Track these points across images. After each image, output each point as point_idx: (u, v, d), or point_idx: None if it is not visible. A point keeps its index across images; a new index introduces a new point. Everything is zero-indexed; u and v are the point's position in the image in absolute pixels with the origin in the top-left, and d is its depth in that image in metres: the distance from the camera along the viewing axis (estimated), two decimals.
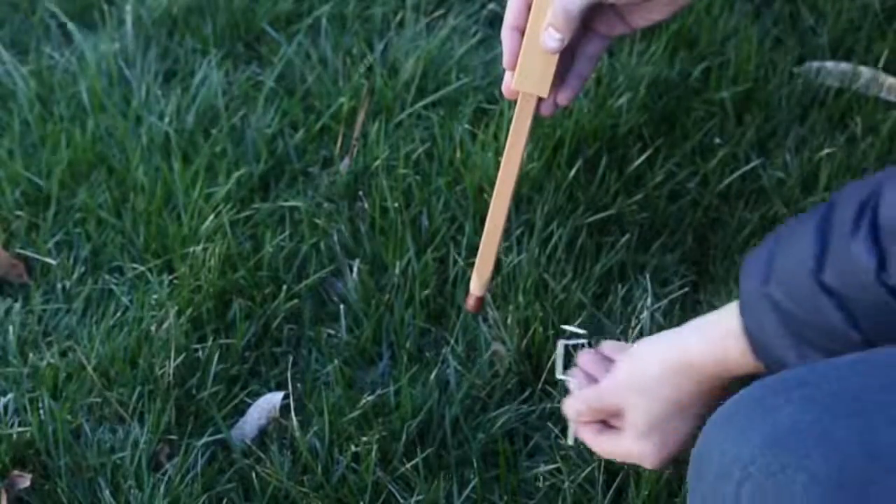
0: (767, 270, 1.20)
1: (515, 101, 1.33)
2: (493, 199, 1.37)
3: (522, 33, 1.30)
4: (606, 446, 1.34)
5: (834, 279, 1.15)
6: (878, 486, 0.93)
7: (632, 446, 1.31)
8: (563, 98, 1.33)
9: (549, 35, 1.28)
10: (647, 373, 1.29)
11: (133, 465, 1.49)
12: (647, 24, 1.32)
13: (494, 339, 1.59)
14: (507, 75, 1.32)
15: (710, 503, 0.99)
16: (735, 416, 0.99)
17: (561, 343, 1.42)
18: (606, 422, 1.35)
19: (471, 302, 1.42)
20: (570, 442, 1.41)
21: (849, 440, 0.95)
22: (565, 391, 1.37)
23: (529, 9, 1.29)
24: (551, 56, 1.29)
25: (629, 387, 1.30)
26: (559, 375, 1.40)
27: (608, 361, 1.36)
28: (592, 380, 1.35)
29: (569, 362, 1.41)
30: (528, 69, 1.30)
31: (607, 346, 1.38)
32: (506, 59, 1.31)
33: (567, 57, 1.32)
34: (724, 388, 1.30)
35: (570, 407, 1.34)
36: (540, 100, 1.32)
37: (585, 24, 1.31)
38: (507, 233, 1.66)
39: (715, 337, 1.25)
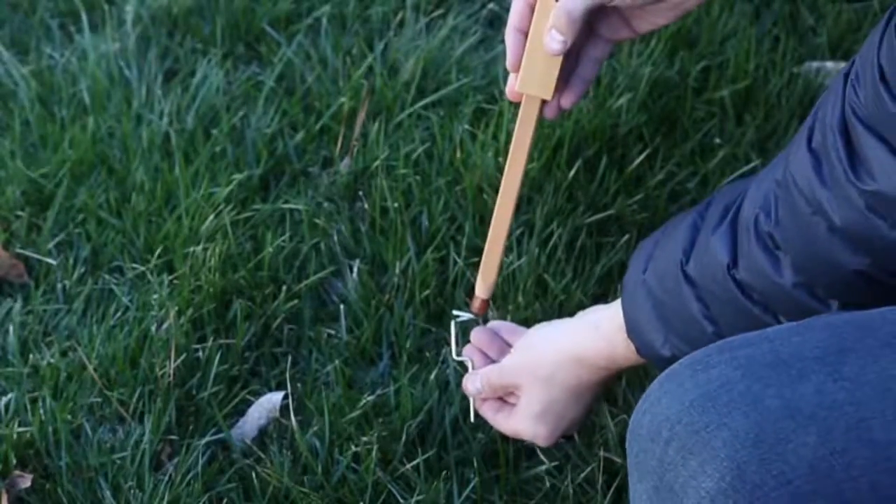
0: (647, 260, 1.29)
1: (517, 103, 1.33)
2: (498, 202, 1.37)
3: (526, 35, 1.30)
4: (504, 424, 1.44)
5: (695, 270, 1.24)
6: (793, 444, 0.95)
7: (526, 426, 1.41)
8: (567, 101, 1.33)
9: (551, 37, 1.28)
10: (544, 359, 1.39)
11: (134, 465, 1.49)
12: (652, 28, 1.32)
13: None
14: (511, 77, 1.32)
15: (642, 463, 1.01)
16: (674, 376, 1.02)
17: (454, 323, 1.46)
18: (504, 399, 1.45)
19: (476, 304, 1.42)
20: (472, 419, 1.48)
21: (771, 398, 0.98)
22: (464, 369, 1.47)
23: (533, 11, 1.29)
24: (554, 58, 1.29)
25: (527, 370, 1.40)
26: (456, 357, 1.47)
27: (501, 341, 1.45)
28: (487, 358, 1.45)
29: (461, 345, 1.48)
30: (532, 71, 1.30)
31: (500, 326, 1.47)
32: (509, 62, 1.31)
33: (571, 60, 1.32)
34: (618, 377, 1.43)
35: (470, 384, 1.44)
36: (543, 102, 1.32)
37: (589, 28, 1.31)
38: (507, 234, 1.66)
39: (604, 333, 1.34)
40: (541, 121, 1.34)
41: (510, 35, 1.31)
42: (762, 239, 1.16)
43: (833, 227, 1.10)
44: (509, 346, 1.45)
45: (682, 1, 1.30)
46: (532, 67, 1.30)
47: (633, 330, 1.30)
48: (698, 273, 1.22)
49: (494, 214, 1.37)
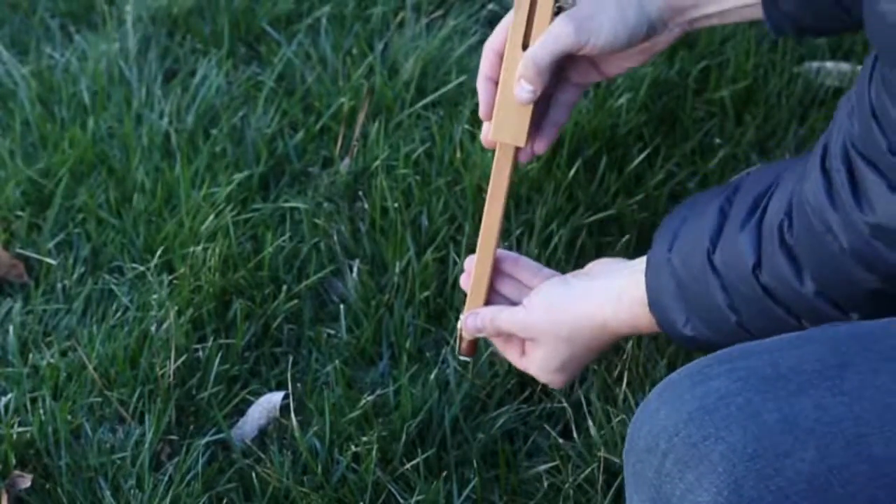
0: (673, 238, 1.26)
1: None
2: (479, 246, 1.38)
3: (497, 84, 1.31)
4: (518, 363, 1.42)
5: (721, 263, 1.21)
6: (791, 459, 0.95)
7: (542, 375, 1.40)
8: (540, 146, 1.36)
9: (520, 87, 1.29)
10: (566, 321, 1.36)
11: (134, 465, 1.49)
12: (621, 71, 1.34)
13: None
14: (485, 125, 1.34)
15: (639, 475, 1.01)
16: (672, 386, 1.02)
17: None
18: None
19: (464, 346, 1.42)
20: (458, 353, 1.45)
21: (770, 412, 0.97)
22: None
23: (502, 59, 1.31)
24: (526, 106, 1.30)
25: (548, 330, 1.37)
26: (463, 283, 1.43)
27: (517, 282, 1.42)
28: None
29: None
30: (504, 120, 1.31)
31: (516, 260, 1.43)
32: (482, 111, 1.33)
33: (542, 105, 1.34)
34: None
35: (470, 321, 1.40)
36: (517, 149, 1.33)
37: (559, 73, 1.32)
38: (507, 233, 1.66)
39: (627, 305, 1.31)
40: (516, 166, 1.35)
41: (481, 84, 1.33)
42: (785, 246, 1.15)
43: (843, 248, 1.10)
44: (520, 282, 1.43)
45: (651, 45, 1.31)
46: (504, 116, 1.31)
47: (655, 305, 1.28)
48: (724, 266, 1.21)
49: (476, 262, 1.38)
